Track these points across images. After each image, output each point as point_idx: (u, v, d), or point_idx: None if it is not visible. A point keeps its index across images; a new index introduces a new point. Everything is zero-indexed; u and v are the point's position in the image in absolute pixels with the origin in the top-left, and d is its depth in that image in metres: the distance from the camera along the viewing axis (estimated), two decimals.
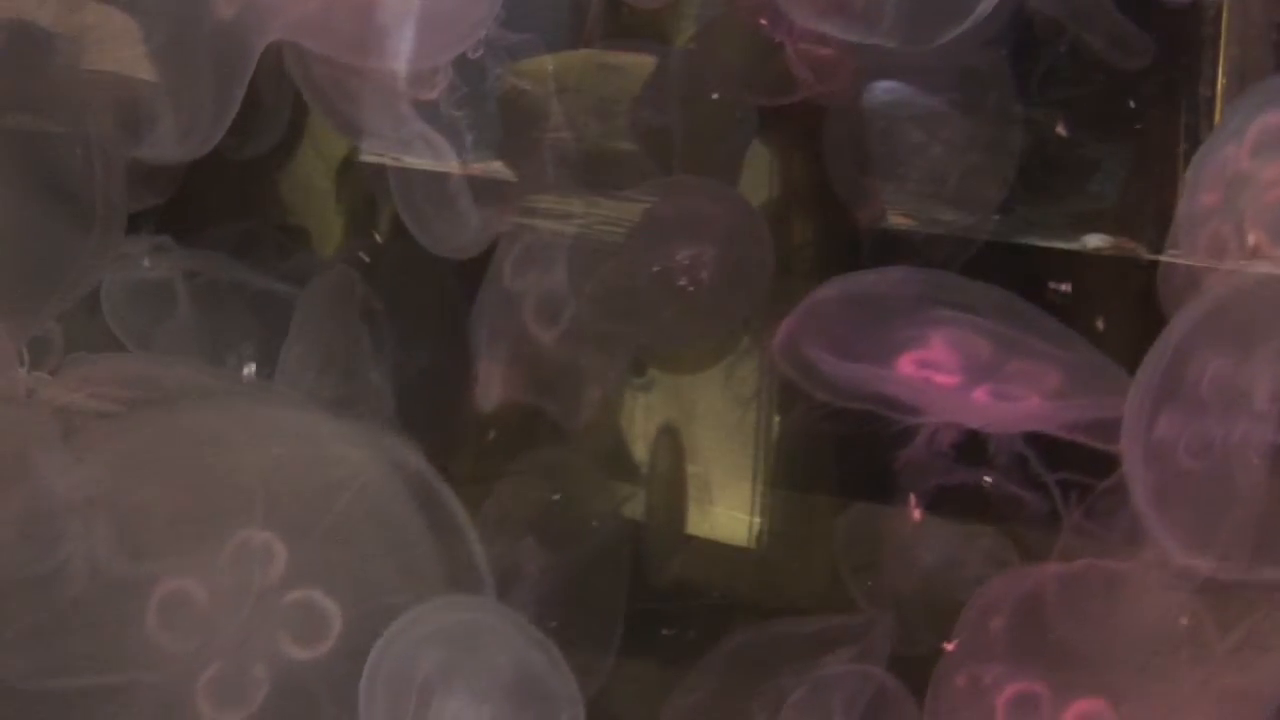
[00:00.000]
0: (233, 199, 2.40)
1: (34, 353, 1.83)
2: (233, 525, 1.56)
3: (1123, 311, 2.09)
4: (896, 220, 2.25)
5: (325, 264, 2.41)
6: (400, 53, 1.78)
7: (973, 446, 1.87)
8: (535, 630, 1.58)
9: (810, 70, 2.12)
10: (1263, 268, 1.60)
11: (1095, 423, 1.73)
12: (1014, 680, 1.67)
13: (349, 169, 2.42)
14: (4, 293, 1.74)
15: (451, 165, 2.06)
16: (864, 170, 2.25)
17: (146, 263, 2.25)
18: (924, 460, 1.88)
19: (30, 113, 1.78)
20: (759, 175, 2.34)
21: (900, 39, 1.73)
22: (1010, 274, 1.96)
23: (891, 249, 2.20)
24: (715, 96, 2.26)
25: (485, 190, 2.12)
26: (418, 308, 2.29)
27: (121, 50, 1.77)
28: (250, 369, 2.24)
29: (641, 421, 2.41)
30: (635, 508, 2.41)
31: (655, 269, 2.14)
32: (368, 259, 2.37)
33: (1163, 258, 1.80)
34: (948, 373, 1.83)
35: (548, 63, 2.14)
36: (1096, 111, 2.18)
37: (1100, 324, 2.03)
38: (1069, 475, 1.79)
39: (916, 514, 1.99)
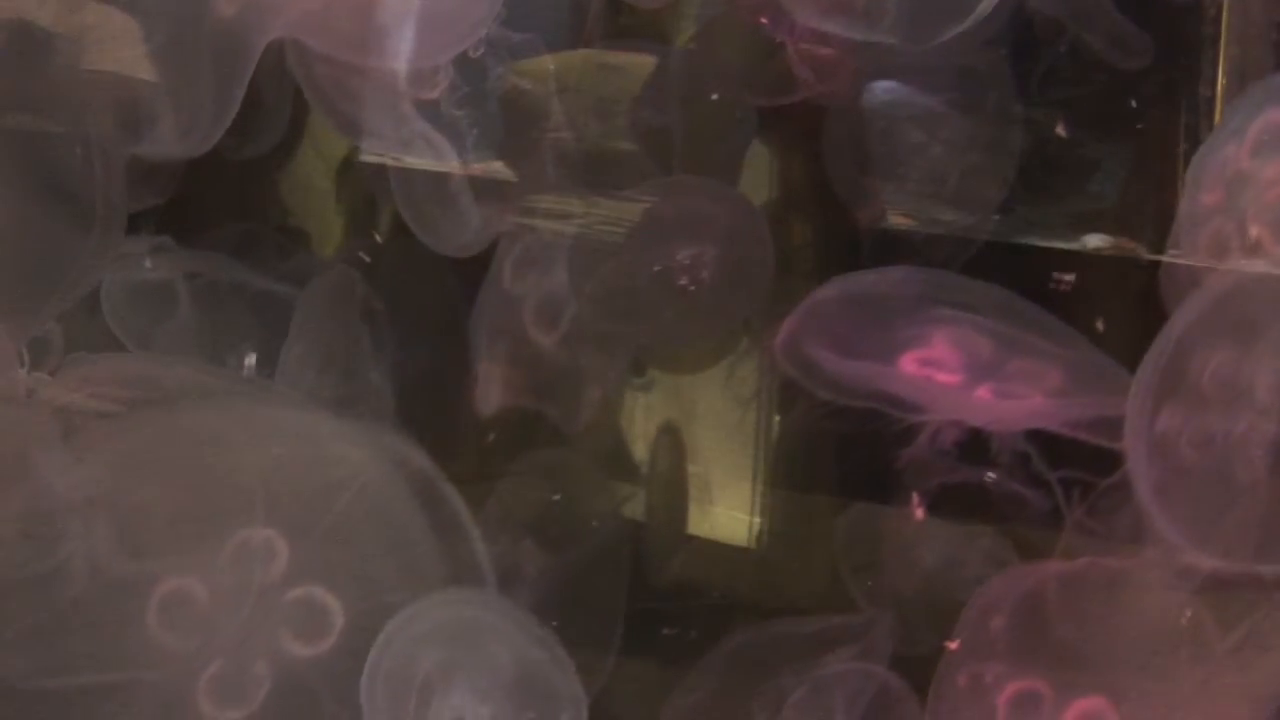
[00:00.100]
0: (233, 199, 2.40)
1: (34, 353, 1.83)
2: (233, 524, 1.56)
3: (1123, 311, 2.09)
4: (896, 220, 2.25)
5: (325, 264, 2.41)
6: (401, 51, 1.78)
7: (975, 445, 1.87)
8: (537, 627, 1.58)
9: (811, 70, 2.12)
10: (1264, 267, 1.60)
11: (1097, 420, 1.73)
12: (1015, 679, 1.67)
13: (349, 169, 2.42)
14: (4, 293, 1.73)
15: (452, 165, 2.06)
16: (864, 170, 2.25)
17: (148, 264, 2.24)
18: (926, 459, 1.88)
19: (30, 113, 1.78)
20: (759, 175, 2.34)
21: (901, 37, 1.73)
22: (1010, 274, 1.95)
23: (891, 249, 2.20)
24: (715, 96, 2.26)
25: (486, 190, 2.12)
26: (418, 308, 2.29)
27: (121, 50, 1.77)
28: (251, 361, 2.24)
29: (641, 421, 2.41)
30: (635, 508, 2.41)
31: (656, 269, 2.14)
32: (368, 259, 2.37)
33: (1163, 258, 1.80)
34: (949, 371, 1.83)
35: (548, 63, 2.14)
36: (1096, 111, 2.18)
37: (1100, 324, 2.03)
38: (1071, 473, 1.79)
39: (919, 513, 1.99)
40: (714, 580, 2.38)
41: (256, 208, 2.47)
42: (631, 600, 2.14)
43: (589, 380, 2.28)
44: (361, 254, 2.39)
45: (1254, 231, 1.58)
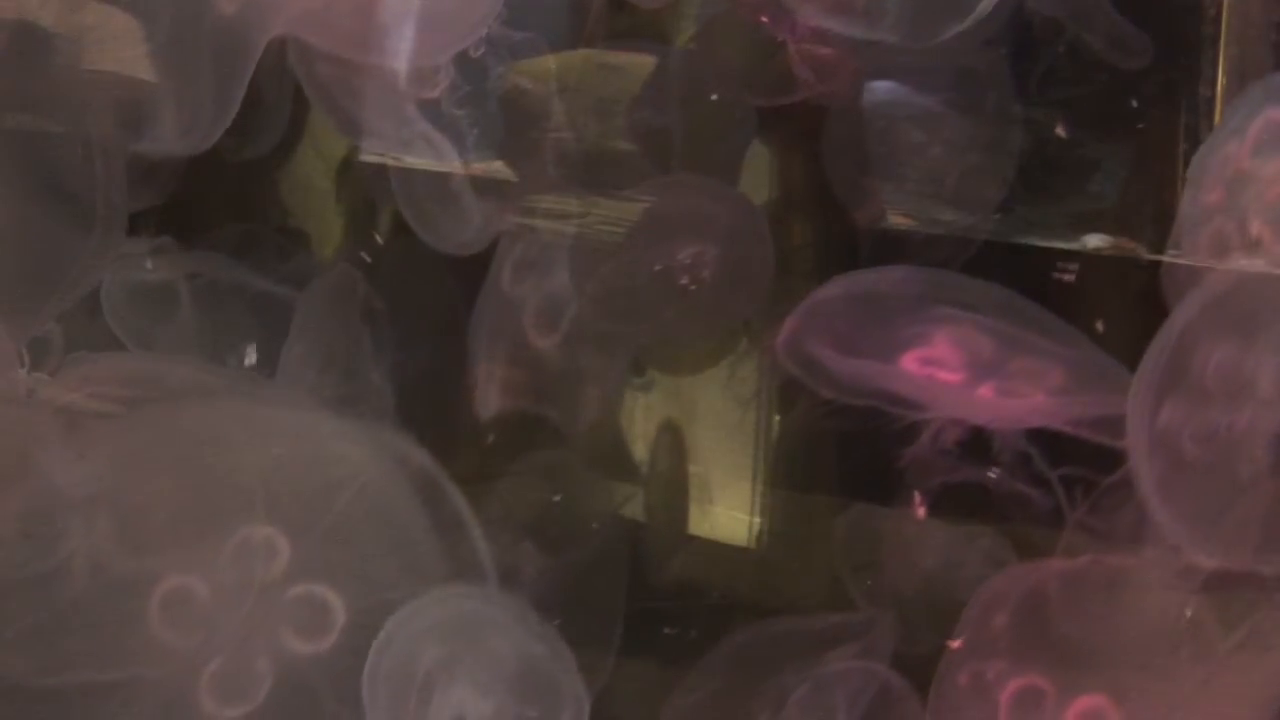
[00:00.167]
0: (232, 200, 2.40)
1: (34, 353, 1.83)
2: (234, 522, 1.56)
3: (1123, 311, 2.09)
4: (896, 220, 2.25)
5: (326, 265, 2.41)
6: (401, 50, 1.78)
7: (977, 444, 1.87)
8: (538, 622, 1.58)
9: (811, 70, 2.12)
10: (1264, 266, 1.60)
11: (1099, 419, 1.73)
12: (1017, 676, 1.67)
13: (349, 169, 2.42)
14: (4, 293, 1.73)
15: (453, 165, 2.06)
16: (864, 170, 2.25)
17: (149, 265, 2.24)
18: (928, 458, 1.88)
19: (31, 113, 1.78)
20: (759, 175, 2.34)
21: (903, 35, 1.73)
22: (1010, 274, 1.95)
23: (891, 249, 2.20)
24: (715, 97, 2.26)
25: (486, 189, 2.12)
26: (419, 308, 2.29)
27: (122, 50, 1.77)
28: (251, 354, 2.24)
29: (641, 421, 2.41)
30: (635, 508, 2.41)
31: (657, 268, 2.14)
32: (369, 259, 2.37)
33: (1163, 258, 1.80)
34: (951, 370, 1.83)
35: (549, 62, 2.14)
36: (1096, 111, 2.18)
37: (1100, 324, 2.03)
38: (1073, 471, 1.79)
39: (921, 512, 1.99)
40: (714, 580, 2.38)
41: (256, 208, 2.47)
42: (631, 600, 2.14)
43: (589, 381, 2.28)
44: (363, 254, 2.39)
45: (1255, 230, 1.58)
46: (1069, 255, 2.16)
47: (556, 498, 2.26)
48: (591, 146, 2.21)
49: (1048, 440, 1.82)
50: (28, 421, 1.68)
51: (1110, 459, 1.70)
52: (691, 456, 2.40)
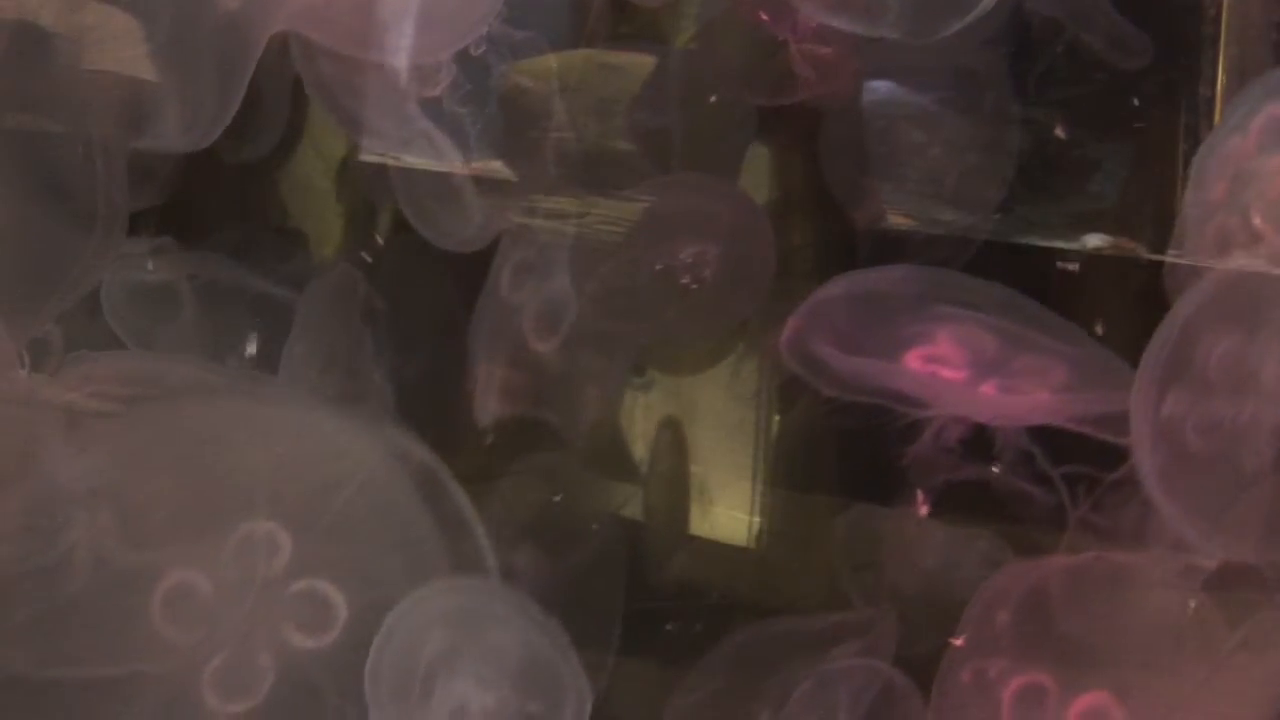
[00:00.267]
0: (232, 200, 2.40)
1: (34, 354, 1.82)
2: (236, 518, 1.56)
3: (1122, 312, 2.09)
4: (896, 220, 2.25)
5: (326, 266, 2.41)
6: (402, 46, 1.78)
7: (979, 442, 1.87)
8: (540, 614, 1.58)
9: (812, 69, 2.12)
10: (1265, 265, 1.60)
11: (1102, 416, 1.73)
12: (1020, 674, 1.67)
13: (348, 169, 2.42)
14: (4, 293, 1.73)
15: (453, 164, 2.06)
16: (863, 170, 2.25)
17: (150, 266, 2.25)
18: (931, 455, 1.88)
19: (31, 113, 1.77)
20: (758, 176, 2.34)
21: (905, 31, 1.73)
22: (1010, 274, 1.95)
23: (891, 249, 2.20)
24: (715, 97, 2.26)
25: (486, 188, 2.12)
26: (420, 307, 2.29)
27: (123, 50, 1.77)
28: (252, 347, 2.24)
29: (641, 421, 2.40)
30: (635, 508, 2.41)
31: (658, 267, 2.14)
32: (370, 259, 2.37)
33: (1163, 258, 1.80)
34: (954, 368, 1.83)
35: (550, 61, 2.14)
36: (1096, 111, 2.18)
37: (1100, 324, 2.03)
38: (1076, 468, 1.79)
39: (924, 510, 1.99)
40: (714, 580, 2.38)
41: (256, 208, 2.47)
42: (631, 600, 2.13)
43: (589, 383, 2.28)
44: (363, 254, 2.39)
45: (1258, 226, 1.58)
46: (1069, 255, 2.16)
47: (557, 498, 2.26)
48: (591, 146, 2.21)
49: (1050, 438, 1.82)
50: (29, 419, 1.67)
51: (1113, 456, 1.69)
52: (692, 456, 2.40)
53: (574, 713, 1.56)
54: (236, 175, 2.24)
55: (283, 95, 2.15)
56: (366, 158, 2.23)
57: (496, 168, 2.18)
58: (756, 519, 2.36)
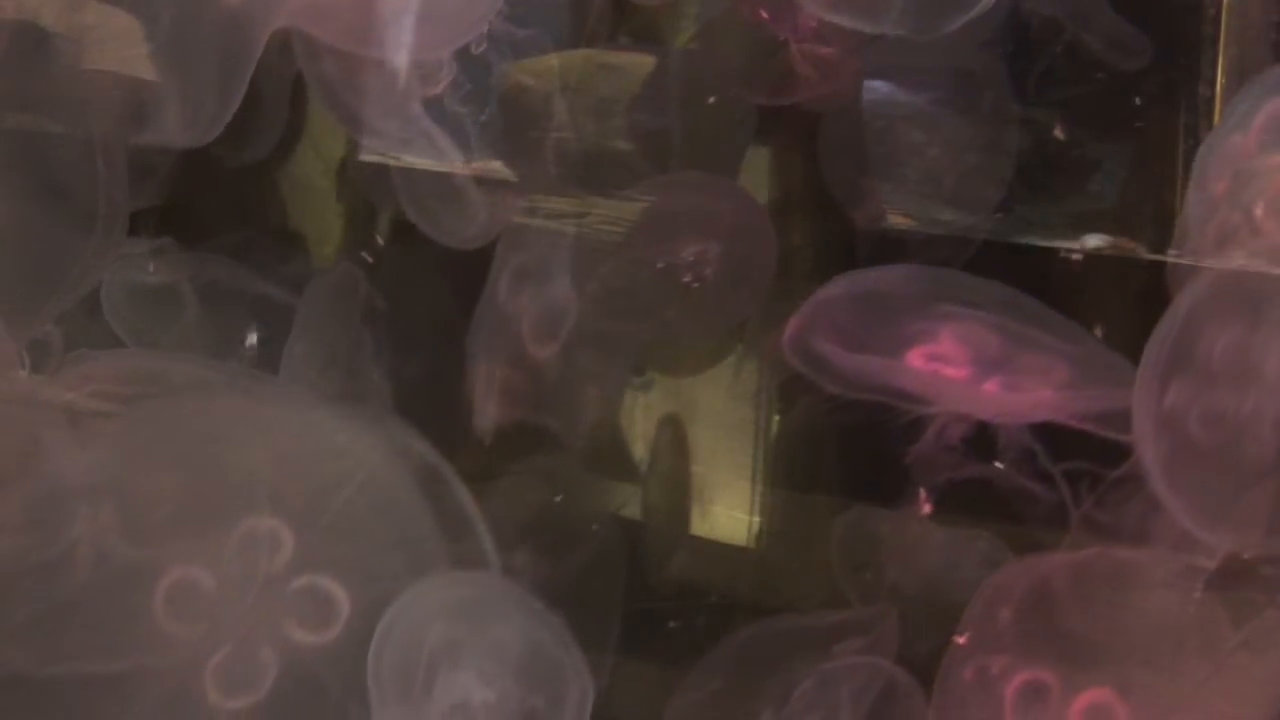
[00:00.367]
0: (232, 200, 2.40)
1: (34, 355, 1.82)
2: (238, 514, 1.56)
3: (1122, 312, 2.09)
4: (896, 220, 2.25)
5: (326, 266, 2.41)
6: (402, 43, 1.78)
7: (982, 439, 1.87)
8: (542, 607, 1.58)
9: (813, 69, 2.12)
10: (1265, 264, 1.60)
11: (1105, 413, 1.73)
12: (1022, 670, 1.67)
13: (348, 169, 2.42)
14: (4, 293, 1.73)
15: (452, 164, 2.06)
16: (862, 171, 2.25)
17: (151, 268, 2.25)
18: (933, 453, 1.88)
19: (31, 113, 1.77)
20: (758, 176, 2.34)
21: (908, 28, 1.73)
22: (1010, 274, 1.95)
23: (891, 249, 2.20)
24: (715, 97, 2.26)
25: (487, 188, 2.12)
26: (420, 307, 2.29)
27: (123, 49, 1.77)
28: (252, 340, 2.24)
29: (641, 421, 2.40)
30: (635, 508, 2.41)
31: (659, 266, 2.14)
32: (370, 259, 2.37)
33: (1163, 258, 1.80)
34: (957, 366, 1.83)
35: (552, 60, 2.14)
36: (1095, 111, 2.19)
37: (1100, 324, 2.03)
38: (1078, 465, 1.79)
39: (926, 508, 1.99)
40: (714, 580, 2.38)
41: (256, 208, 2.47)
42: (631, 600, 2.13)
43: (589, 383, 2.28)
44: (364, 254, 2.39)
45: (1260, 222, 1.58)
46: (1069, 255, 2.16)
47: (557, 498, 2.26)
48: (591, 146, 2.21)
49: (1053, 435, 1.82)
50: (29, 419, 1.67)
51: (1115, 453, 1.70)
52: (692, 456, 2.40)
53: (576, 706, 1.56)
54: (236, 176, 2.24)
55: (282, 96, 2.15)
56: (366, 158, 2.23)
57: (496, 168, 2.17)
58: (756, 519, 2.36)
